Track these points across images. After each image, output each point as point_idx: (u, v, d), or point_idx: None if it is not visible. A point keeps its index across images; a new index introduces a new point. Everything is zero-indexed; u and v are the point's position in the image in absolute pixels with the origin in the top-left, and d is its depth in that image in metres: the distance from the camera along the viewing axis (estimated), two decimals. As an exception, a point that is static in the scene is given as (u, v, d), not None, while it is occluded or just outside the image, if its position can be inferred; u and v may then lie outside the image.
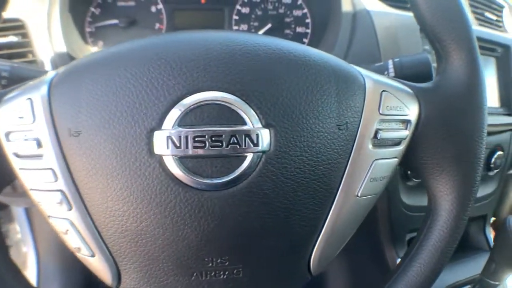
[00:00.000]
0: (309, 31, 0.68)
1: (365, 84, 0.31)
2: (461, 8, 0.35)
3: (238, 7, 0.68)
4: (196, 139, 0.26)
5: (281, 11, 0.68)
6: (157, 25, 0.66)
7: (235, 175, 0.26)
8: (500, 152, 0.74)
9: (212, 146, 0.26)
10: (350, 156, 0.30)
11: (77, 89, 0.27)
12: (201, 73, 0.27)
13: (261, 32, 0.67)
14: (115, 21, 0.64)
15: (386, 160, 0.32)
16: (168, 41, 0.29)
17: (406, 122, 0.32)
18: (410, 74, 0.45)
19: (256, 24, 0.68)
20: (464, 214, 0.35)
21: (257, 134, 0.26)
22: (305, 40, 0.68)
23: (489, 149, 0.74)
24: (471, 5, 0.75)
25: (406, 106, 0.32)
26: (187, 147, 0.26)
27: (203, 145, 0.26)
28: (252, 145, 0.26)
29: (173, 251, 0.27)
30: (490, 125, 0.71)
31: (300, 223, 0.29)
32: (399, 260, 0.69)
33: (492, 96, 0.73)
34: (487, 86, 0.71)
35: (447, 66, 0.35)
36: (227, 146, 0.26)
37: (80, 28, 0.63)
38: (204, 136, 0.26)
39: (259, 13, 0.68)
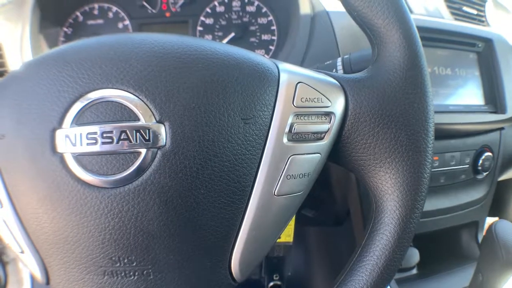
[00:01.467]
0: (275, 37, 0.67)
1: (279, 76, 0.30)
2: None
3: (202, 18, 0.67)
4: (88, 136, 0.25)
5: (245, 19, 0.67)
6: None
7: (128, 172, 0.25)
8: (488, 153, 0.69)
9: (103, 143, 0.25)
10: (262, 151, 0.28)
11: (3, 96, 0.28)
12: (97, 72, 0.27)
13: (224, 41, 0.66)
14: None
15: (306, 156, 0.30)
16: (77, 44, 0.30)
17: (329, 114, 0.30)
18: (358, 69, 0.42)
19: (220, 34, 0.67)
20: (411, 215, 0.31)
21: (149, 130, 0.26)
22: (272, 47, 0.67)
23: (474, 150, 0.69)
24: (448, 0, 0.72)
25: (327, 97, 0.30)
26: (81, 144, 0.25)
27: (95, 142, 0.25)
28: (144, 141, 0.25)
29: (83, 249, 0.27)
30: (475, 124, 0.67)
31: (210, 224, 0.27)
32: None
33: (476, 94, 0.69)
34: (470, 83, 0.67)
35: (380, 53, 0.33)
36: (117, 142, 0.25)
37: (53, 47, 0.64)
38: (96, 133, 0.25)
39: (223, 23, 0.67)
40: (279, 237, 0.65)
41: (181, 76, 0.27)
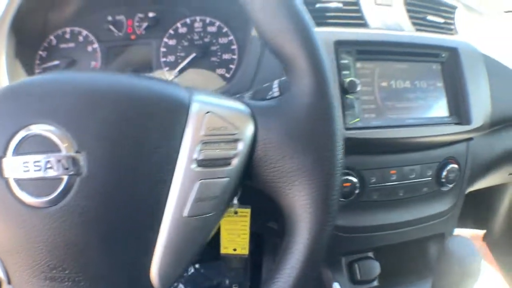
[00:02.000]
0: (235, 57, 0.69)
1: (189, 107, 0.33)
2: (299, 20, 0.34)
3: (165, 39, 0.70)
4: (24, 164, 0.30)
5: (206, 40, 0.70)
6: (93, 63, 0.70)
7: (55, 195, 0.30)
8: (453, 165, 0.68)
9: (35, 170, 0.30)
10: (172, 177, 0.31)
11: None
12: (32, 108, 0.31)
13: (185, 61, 0.68)
14: (56, 62, 0.69)
15: (214, 180, 0.33)
16: (19, 83, 0.33)
17: (236, 141, 0.33)
18: None
19: (182, 54, 0.70)
20: (319, 235, 0.34)
21: (69, 159, 0.30)
22: (232, 66, 0.69)
23: (438, 162, 0.68)
24: (409, 10, 0.71)
25: (234, 126, 0.33)
26: (20, 171, 0.30)
27: (29, 169, 0.30)
28: (64, 169, 0.30)
29: (29, 257, 0.31)
30: (436, 136, 0.67)
31: (127, 241, 0.31)
32: (336, 284, 0.66)
33: (439, 105, 0.68)
34: (432, 95, 0.67)
35: (290, 80, 0.35)
36: (44, 170, 0.30)
37: (30, 71, 0.69)
38: (28, 162, 0.30)
39: (186, 43, 0.70)
40: (235, 250, 0.67)
41: (97, 111, 0.31)
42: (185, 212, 0.32)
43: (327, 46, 0.60)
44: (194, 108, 0.33)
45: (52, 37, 0.71)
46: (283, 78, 0.49)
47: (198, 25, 0.70)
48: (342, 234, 0.65)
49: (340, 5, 0.65)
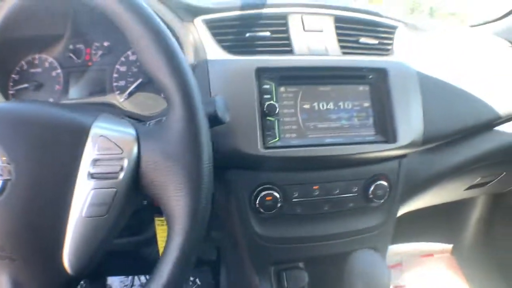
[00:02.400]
0: None
1: (89, 131, 0.42)
2: (173, 60, 0.42)
3: (117, 66, 0.78)
4: None
5: None
6: (56, 87, 0.79)
7: None
8: (381, 182, 0.71)
9: None
10: (75, 186, 0.41)
11: None
12: None
13: (133, 86, 0.76)
14: (26, 85, 0.79)
15: (104, 189, 0.41)
16: None
17: (121, 159, 0.42)
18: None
19: (132, 79, 0.77)
20: (188, 242, 0.41)
21: (3, 168, 0.39)
22: None
23: (364, 179, 0.71)
24: (339, 34, 0.74)
25: (120, 147, 0.42)
26: None
27: None
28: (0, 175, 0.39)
29: None
30: (365, 153, 0.71)
31: (45, 233, 0.40)
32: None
33: (365, 124, 0.71)
34: (358, 115, 0.70)
35: (168, 107, 0.43)
36: None
37: (5, 92, 0.79)
38: None
39: (135, 70, 0.78)
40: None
41: (21, 133, 0.41)
42: (83, 213, 0.41)
43: (249, 73, 0.65)
44: (92, 131, 0.42)
45: (23, 62, 0.81)
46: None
47: None
48: (269, 244, 0.70)
49: (268, 33, 0.71)
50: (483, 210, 1.13)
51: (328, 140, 0.68)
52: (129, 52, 0.78)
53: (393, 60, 0.75)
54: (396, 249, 1.09)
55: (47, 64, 0.80)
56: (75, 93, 0.78)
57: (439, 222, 1.14)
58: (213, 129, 0.64)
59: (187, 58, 0.68)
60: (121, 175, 0.41)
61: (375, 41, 0.76)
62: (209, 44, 0.69)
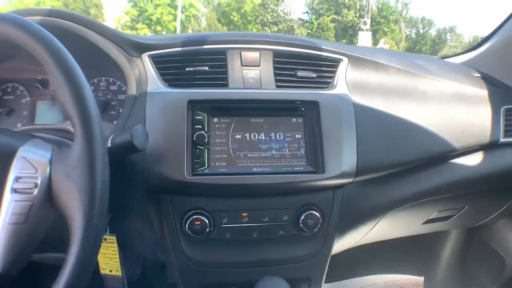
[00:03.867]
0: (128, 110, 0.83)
1: (15, 153, 0.51)
2: (80, 99, 0.49)
3: None
4: None
5: (108, 96, 0.85)
6: (25, 112, 0.89)
7: None
8: (313, 212, 0.73)
9: None
10: (3, 197, 0.49)
11: None
12: None
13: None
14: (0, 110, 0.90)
15: (22, 202, 0.49)
16: None
17: (36, 177, 0.50)
18: (120, 143, 0.61)
19: None
20: (81, 260, 0.48)
21: None
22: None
23: (294, 208, 0.73)
24: (276, 68, 0.78)
25: (35, 167, 0.51)
26: None
27: None
28: None
29: None
30: (292, 183, 0.74)
31: None
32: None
33: (296, 155, 0.73)
34: (289, 145, 0.73)
35: (74, 135, 0.50)
36: None
37: None
38: None
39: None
40: (111, 271, 0.79)
41: None
42: (7, 220, 0.49)
43: (181, 105, 0.71)
44: (18, 154, 0.51)
45: None
46: (117, 133, 0.62)
47: (103, 84, 0.86)
48: (199, 267, 0.73)
49: (206, 68, 0.77)
50: (456, 242, 1.08)
51: (256, 169, 0.71)
52: (95, 80, 0.87)
53: (330, 93, 0.78)
54: (366, 280, 1.06)
55: (18, 92, 0.90)
56: (40, 119, 0.88)
57: (410, 254, 1.10)
58: (147, 155, 0.70)
59: (130, 91, 0.76)
60: (36, 191, 0.50)
61: (313, 75, 0.79)
62: (152, 78, 0.76)
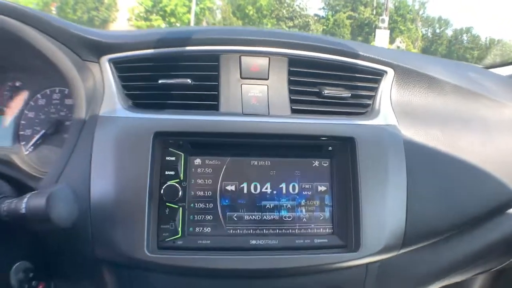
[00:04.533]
0: None
1: None
2: None
3: (26, 111, 0.64)
4: None
5: (62, 113, 0.62)
6: None
7: None
8: None
9: None
10: None
11: None
12: None
13: (36, 137, 0.61)
14: None
15: None
16: None
17: None
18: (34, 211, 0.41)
19: (38, 128, 0.62)
20: None
21: None
22: None
23: None
24: (293, 82, 0.53)
25: None
26: None
27: None
28: None
29: None
30: (315, 266, 0.49)
31: None
32: None
33: (320, 218, 0.48)
34: (313, 202, 0.49)
35: None
36: None
37: None
38: None
39: (42, 117, 0.63)
40: None
41: None
42: None
43: (145, 137, 0.47)
44: None
45: None
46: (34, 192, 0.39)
47: (56, 96, 0.62)
48: None
49: (189, 81, 0.51)
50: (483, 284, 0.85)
51: (256, 242, 0.47)
52: (39, 95, 0.63)
53: (371, 123, 0.52)
54: None
55: None
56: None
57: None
58: (91, 216, 0.46)
59: (78, 110, 0.52)
60: None
61: (347, 94, 0.54)
62: (109, 93, 0.52)
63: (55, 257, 0.51)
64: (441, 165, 0.55)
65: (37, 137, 0.61)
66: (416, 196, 0.51)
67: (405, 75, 0.59)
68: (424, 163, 0.54)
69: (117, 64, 0.54)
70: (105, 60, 0.54)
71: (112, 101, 0.51)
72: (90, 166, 0.47)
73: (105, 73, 0.54)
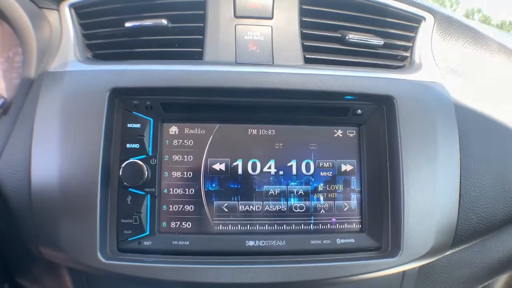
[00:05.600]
0: None
1: None
2: None
3: None
4: None
5: None
6: None
7: None
8: None
9: None
10: None
11: None
12: None
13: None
14: None
15: None
16: None
17: None
18: None
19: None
20: None
21: None
22: None
23: None
24: (306, 24, 0.39)
25: None
26: None
27: None
28: None
29: None
30: (338, 278, 0.37)
31: None
32: None
33: (344, 208, 0.35)
34: (340, 184, 0.36)
35: None
36: None
37: None
38: None
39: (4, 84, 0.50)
40: None
41: None
42: None
43: (98, 98, 0.33)
44: None
45: None
46: None
47: (19, 59, 0.50)
48: None
49: (165, 22, 0.37)
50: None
51: (253, 243, 0.34)
52: (1, 59, 0.50)
53: (412, 78, 0.38)
54: None
55: None
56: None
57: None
58: (32, 205, 0.33)
59: (27, 66, 0.39)
60: None
61: (379, 41, 0.39)
62: (67, 44, 0.40)
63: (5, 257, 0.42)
64: (495, 135, 0.42)
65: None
66: (472, 177, 0.37)
67: (448, 24, 0.45)
68: (479, 134, 0.40)
69: (78, 10, 0.41)
70: (65, 5, 0.41)
71: (67, 53, 0.38)
72: (31, 140, 0.34)
73: (64, 21, 0.42)
